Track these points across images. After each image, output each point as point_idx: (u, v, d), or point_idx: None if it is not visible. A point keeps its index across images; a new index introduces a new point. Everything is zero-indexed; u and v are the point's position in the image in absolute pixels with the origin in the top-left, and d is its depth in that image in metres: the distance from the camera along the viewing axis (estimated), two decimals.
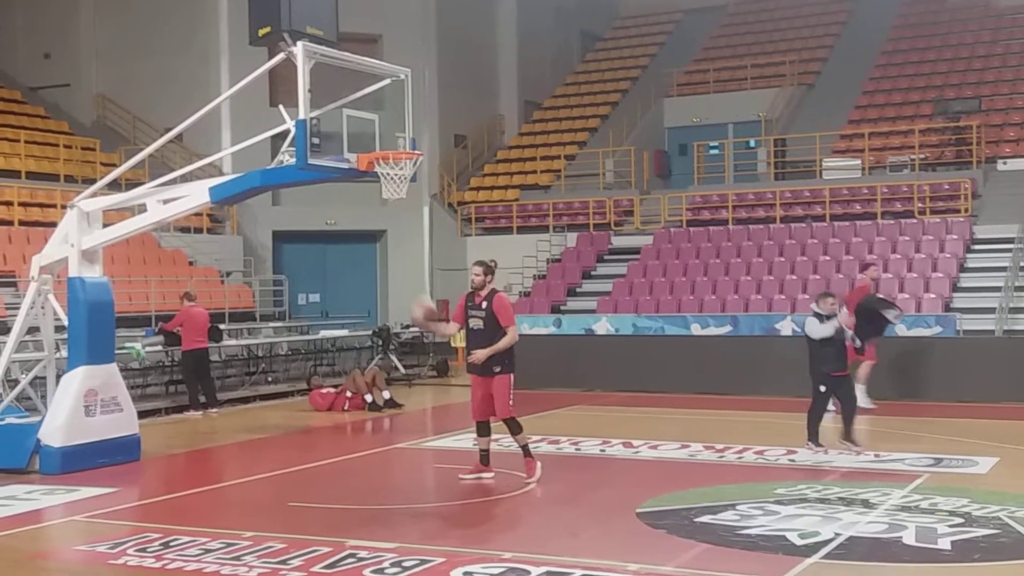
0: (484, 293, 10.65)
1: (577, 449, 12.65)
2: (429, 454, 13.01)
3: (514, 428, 10.72)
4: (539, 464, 10.82)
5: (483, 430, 10.87)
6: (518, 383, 10.81)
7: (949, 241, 21.56)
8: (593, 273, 24.78)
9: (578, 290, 24.09)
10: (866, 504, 9.28)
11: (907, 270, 20.92)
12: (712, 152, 27.96)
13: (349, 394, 16.89)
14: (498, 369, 10.56)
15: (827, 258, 21.89)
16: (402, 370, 21.69)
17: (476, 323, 10.64)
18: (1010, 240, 20.98)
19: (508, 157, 31.00)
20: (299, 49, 11.14)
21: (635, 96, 31.86)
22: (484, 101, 32.05)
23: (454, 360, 24.43)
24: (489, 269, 10.75)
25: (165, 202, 12.32)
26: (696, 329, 20.50)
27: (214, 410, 16.78)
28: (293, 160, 11.22)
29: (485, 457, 10.97)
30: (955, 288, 20.38)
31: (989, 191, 23.40)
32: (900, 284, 20.53)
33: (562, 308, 23.02)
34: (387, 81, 12.23)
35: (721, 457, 12.01)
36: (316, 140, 11.10)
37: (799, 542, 7.99)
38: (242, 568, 7.50)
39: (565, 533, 8.75)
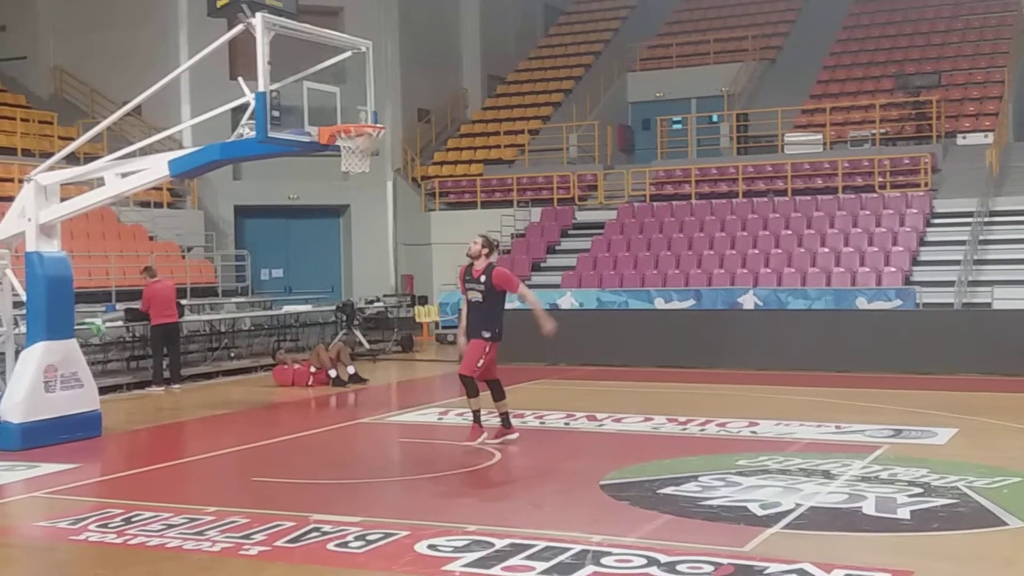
0: (482, 267, 10.85)
1: (542, 423, 12.67)
2: (393, 429, 12.99)
3: (470, 390, 10.87)
4: (484, 434, 10.99)
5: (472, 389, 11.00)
6: None
7: (909, 215, 21.76)
8: (557, 248, 24.81)
9: (542, 265, 24.11)
10: (827, 475, 9.34)
11: (868, 244, 21.10)
12: (675, 127, 28.02)
13: (313, 369, 16.81)
14: (487, 335, 10.79)
15: (789, 232, 22.03)
16: (366, 345, 21.62)
17: (475, 296, 10.86)
18: (969, 214, 21.21)
19: (472, 131, 30.89)
20: (258, 21, 10.99)
21: (598, 70, 31.82)
22: (447, 75, 31.86)
23: (419, 335, 24.39)
24: (489, 243, 11.01)
25: (124, 176, 12.16)
26: (660, 303, 20.62)
27: (176, 386, 16.64)
28: (253, 133, 11.09)
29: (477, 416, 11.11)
30: (915, 262, 20.60)
31: (949, 165, 23.61)
32: (861, 258, 20.72)
33: (526, 283, 22.99)
34: (348, 54, 12.10)
35: (684, 429, 12.06)
36: (276, 113, 10.98)
37: (760, 513, 8.04)
38: (205, 543, 7.45)
39: (529, 505, 8.77)
